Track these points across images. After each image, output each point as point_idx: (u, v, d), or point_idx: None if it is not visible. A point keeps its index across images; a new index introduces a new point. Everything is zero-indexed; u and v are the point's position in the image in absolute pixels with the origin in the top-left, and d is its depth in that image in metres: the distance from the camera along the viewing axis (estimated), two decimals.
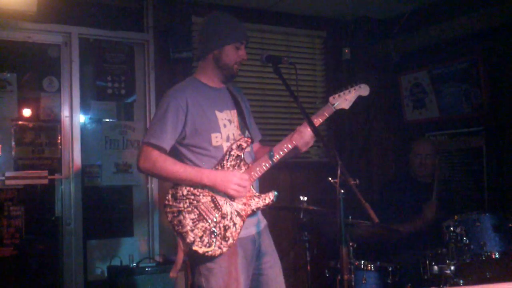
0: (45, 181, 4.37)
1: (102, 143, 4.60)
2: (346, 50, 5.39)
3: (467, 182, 4.85)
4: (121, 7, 4.68)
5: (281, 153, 2.83)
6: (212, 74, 2.91)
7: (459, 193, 4.84)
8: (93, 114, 4.66)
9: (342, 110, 2.94)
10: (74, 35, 4.49)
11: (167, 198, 2.74)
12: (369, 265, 3.60)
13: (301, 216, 3.75)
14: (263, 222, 2.99)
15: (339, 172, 2.34)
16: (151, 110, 4.70)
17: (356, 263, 3.56)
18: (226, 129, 2.84)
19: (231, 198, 2.77)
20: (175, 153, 2.82)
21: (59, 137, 4.55)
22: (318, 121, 2.86)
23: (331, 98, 2.91)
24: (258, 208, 2.84)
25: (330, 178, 2.37)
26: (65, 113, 4.47)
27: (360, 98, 2.97)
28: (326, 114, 2.88)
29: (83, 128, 4.55)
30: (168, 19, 4.73)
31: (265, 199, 2.84)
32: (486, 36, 4.59)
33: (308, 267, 3.88)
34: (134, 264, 4.16)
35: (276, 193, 2.86)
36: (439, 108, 5.03)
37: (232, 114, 2.90)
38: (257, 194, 2.85)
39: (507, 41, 4.51)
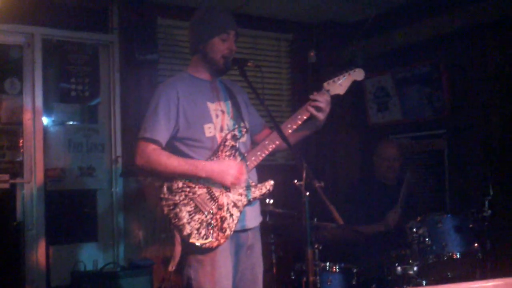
0: (7, 185, 4.28)
1: (66, 146, 4.53)
2: (312, 53, 5.43)
3: (429, 184, 4.94)
4: (85, 8, 4.62)
5: (273, 145, 2.80)
6: (202, 69, 2.88)
7: (422, 194, 4.92)
8: (56, 117, 4.57)
9: (337, 95, 2.90)
10: (36, 36, 4.42)
11: (162, 191, 2.70)
12: (334, 267, 3.62)
13: (267, 219, 3.76)
14: (259, 218, 2.97)
15: (304, 174, 2.35)
16: (115, 112, 4.65)
17: (322, 265, 3.58)
18: (219, 119, 2.81)
19: (227, 189, 2.74)
20: (170, 149, 2.79)
21: (21, 140, 4.45)
22: (313, 109, 2.84)
23: (325, 84, 2.88)
24: (255, 198, 2.82)
25: (295, 181, 2.37)
26: (27, 115, 4.39)
27: None
28: None
29: (46, 131, 4.47)
30: (134, 21, 4.69)
31: (261, 189, 2.82)
32: (449, 40, 4.69)
33: (274, 270, 3.90)
34: (99, 269, 4.10)
35: (272, 182, 2.83)
36: (402, 111, 5.11)
37: (225, 105, 2.87)
38: (254, 183, 2.83)
39: (468, 45, 4.61)
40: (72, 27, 4.53)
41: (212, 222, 2.68)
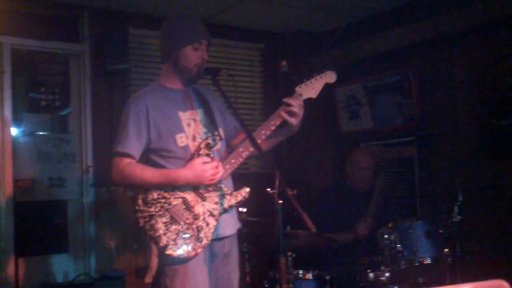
0: None
1: (35, 156, 4.46)
2: (284, 63, 5.44)
3: (400, 191, 5.00)
4: (55, 18, 4.58)
5: (247, 152, 2.79)
6: (173, 78, 2.86)
7: (393, 201, 4.98)
8: (26, 127, 4.51)
9: (310, 99, 2.89)
10: (6, 46, 4.36)
11: (137, 203, 2.68)
12: (307, 274, 3.63)
13: (240, 227, 3.75)
14: (237, 225, 2.96)
15: (277, 182, 2.35)
16: (86, 122, 4.61)
17: (295, 273, 3.59)
18: (191, 128, 2.80)
19: (203, 198, 2.74)
20: (145, 161, 2.78)
21: None
22: (286, 114, 2.82)
23: (297, 88, 2.86)
24: (230, 206, 2.81)
25: (268, 189, 2.38)
26: None
27: None
28: None
29: (15, 142, 4.40)
30: (105, 30, 4.66)
31: (237, 196, 2.81)
32: (418, 49, 4.78)
33: (248, 278, 3.90)
34: (69, 281, 4.05)
35: (248, 189, 2.82)
36: (373, 119, 5.18)
37: (198, 114, 2.85)
38: (229, 191, 2.82)
39: (437, 53, 4.71)
40: (42, 37, 4.49)
41: (188, 232, 2.67)
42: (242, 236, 3.81)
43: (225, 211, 2.80)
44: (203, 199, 2.75)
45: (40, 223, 4.51)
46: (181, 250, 2.64)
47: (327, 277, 3.63)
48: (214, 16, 4.99)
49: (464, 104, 4.53)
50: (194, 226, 2.69)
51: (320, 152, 5.72)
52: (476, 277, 1.88)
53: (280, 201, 2.37)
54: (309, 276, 3.62)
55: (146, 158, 2.80)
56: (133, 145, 2.72)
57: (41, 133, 4.53)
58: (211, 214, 2.74)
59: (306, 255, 3.81)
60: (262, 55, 5.62)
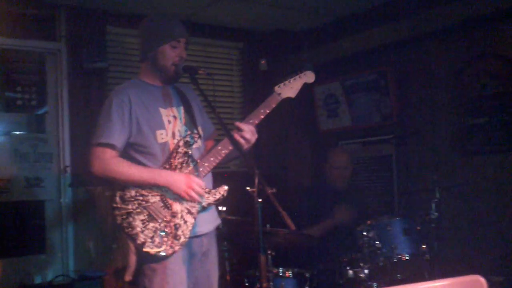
0: None
1: (12, 156, 4.40)
2: (263, 62, 5.48)
3: (378, 188, 5.05)
4: (32, 16, 4.51)
5: (225, 150, 2.79)
6: (153, 76, 2.86)
7: (372, 199, 5.03)
8: (2, 127, 4.44)
9: (288, 98, 2.90)
10: None
11: (115, 200, 2.67)
12: (287, 272, 3.65)
13: (220, 226, 3.75)
14: (215, 222, 2.95)
15: (256, 181, 2.36)
16: (64, 121, 4.56)
17: (275, 271, 3.60)
18: (171, 125, 2.79)
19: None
20: (121, 155, 2.75)
21: None
22: (265, 111, 2.83)
23: (276, 88, 2.88)
24: (209, 204, 2.80)
25: (248, 188, 2.38)
26: None
27: (275, 108, 2.94)
28: (273, 105, 2.86)
29: None
30: (82, 29, 4.61)
31: (215, 194, 2.80)
32: (395, 48, 4.83)
33: (228, 277, 3.89)
34: (48, 282, 4.00)
35: (226, 187, 2.81)
36: (352, 117, 5.22)
37: (178, 111, 2.85)
38: (208, 189, 2.81)
39: (414, 53, 4.76)
40: (18, 35, 4.42)
41: (166, 230, 2.66)
42: (221, 235, 3.81)
43: (203, 209, 2.79)
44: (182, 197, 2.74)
45: (17, 224, 4.45)
46: (158, 247, 2.64)
47: (307, 275, 3.65)
48: (193, 15, 4.97)
49: (441, 102, 4.59)
50: (172, 224, 2.68)
51: (299, 150, 5.74)
52: (454, 273, 1.90)
53: (260, 200, 2.37)
54: (289, 274, 3.64)
55: (123, 153, 2.77)
56: (117, 136, 2.70)
57: (17, 132, 4.46)
58: (189, 212, 2.73)
59: (286, 253, 3.83)
60: (241, 54, 5.61)
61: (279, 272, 3.63)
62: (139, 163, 2.74)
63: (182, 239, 2.69)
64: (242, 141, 2.75)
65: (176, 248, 2.67)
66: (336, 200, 4.35)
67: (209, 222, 2.89)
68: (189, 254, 2.78)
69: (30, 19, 4.50)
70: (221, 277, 3.84)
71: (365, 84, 5.04)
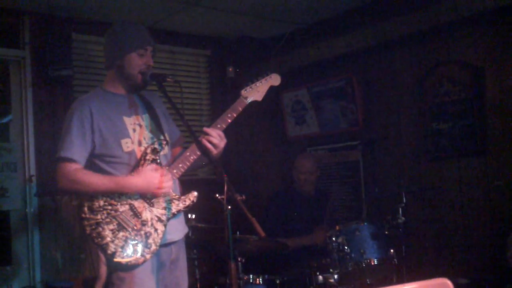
0: None
1: None
2: (230, 69, 5.51)
3: (346, 194, 5.10)
4: None
5: (194, 156, 2.77)
6: (118, 84, 2.83)
7: (340, 204, 5.07)
8: None
9: (255, 102, 2.91)
10: None
11: (83, 210, 2.63)
12: (258, 279, 3.65)
13: (190, 234, 3.74)
14: (184, 230, 2.94)
15: (225, 188, 2.36)
16: (28, 130, 4.47)
17: (245, 278, 3.60)
18: (136, 133, 2.77)
19: (150, 204, 2.70)
20: (89, 166, 2.73)
21: None
22: (232, 115, 2.83)
23: (243, 91, 2.88)
24: (179, 211, 2.78)
25: (217, 195, 2.39)
26: None
27: (243, 115, 2.95)
28: (240, 108, 2.85)
29: None
30: (46, 36, 4.54)
31: (185, 201, 2.79)
32: (361, 55, 4.89)
33: (198, 285, 3.88)
34: None
35: (196, 193, 2.80)
36: (319, 124, 5.26)
37: (143, 119, 2.82)
38: (177, 196, 2.79)
39: (379, 60, 4.84)
40: None
41: (136, 238, 2.64)
42: (191, 242, 3.79)
43: (173, 216, 2.78)
44: (151, 204, 2.72)
45: None
46: (130, 256, 2.61)
47: (277, 281, 3.67)
48: (160, 22, 4.95)
49: (406, 108, 4.67)
50: (142, 232, 2.66)
51: (268, 156, 5.76)
52: (421, 276, 1.93)
53: (229, 207, 2.38)
54: (259, 280, 3.65)
55: (91, 164, 2.75)
56: (78, 150, 2.68)
57: None
58: (159, 220, 2.72)
59: (256, 260, 3.84)
60: (208, 61, 5.61)
61: (249, 279, 3.64)
62: (108, 173, 2.72)
63: (153, 247, 2.67)
64: (210, 146, 2.74)
65: (147, 256, 2.65)
66: (305, 206, 4.38)
67: (179, 230, 2.88)
68: (158, 262, 2.76)
69: None
70: (192, 285, 3.82)
71: (332, 91, 5.09)
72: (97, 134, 2.71)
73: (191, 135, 2.68)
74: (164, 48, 5.22)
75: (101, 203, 2.66)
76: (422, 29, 4.37)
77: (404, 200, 3.78)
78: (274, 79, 2.99)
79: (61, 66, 4.48)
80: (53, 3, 4.37)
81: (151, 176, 2.69)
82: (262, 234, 2.35)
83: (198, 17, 4.92)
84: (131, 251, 2.62)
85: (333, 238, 3.60)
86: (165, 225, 2.73)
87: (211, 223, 3.71)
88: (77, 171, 2.66)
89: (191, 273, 3.81)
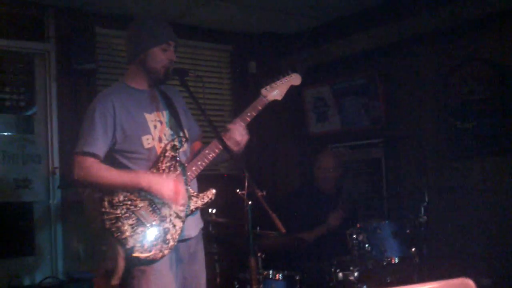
0: None
1: (0, 158, 4.36)
2: (252, 64, 5.50)
3: (368, 192, 5.07)
4: (20, 16, 4.48)
5: (213, 153, 2.79)
6: (140, 78, 2.85)
7: (361, 202, 5.04)
8: None
9: (275, 101, 2.92)
10: None
11: (103, 205, 2.67)
12: (277, 275, 3.65)
13: (210, 228, 3.75)
14: (200, 225, 2.96)
15: (246, 184, 2.37)
16: (52, 122, 4.53)
17: (265, 273, 3.60)
18: (157, 130, 2.79)
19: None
20: (110, 161, 2.76)
21: None
22: (252, 114, 2.84)
23: (263, 90, 2.89)
24: (197, 208, 2.81)
25: (238, 190, 2.39)
26: None
27: (264, 111, 2.95)
28: (260, 107, 2.87)
29: None
30: (71, 29, 4.58)
31: (203, 198, 2.81)
32: (384, 52, 4.85)
33: (218, 280, 3.89)
34: (36, 284, 3.98)
35: (214, 191, 2.82)
36: (341, 121, 5.23)
37: (164, 115, 2.85)
38: (196, 193, 2.82)
39: (402, 57, 4.79)
40: (6, 36, 4.39)
41: (155, 234, 2.67)
42: (211, 237, 3.81)
43: (191, 213, 2.80)
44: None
45: (5, 226, 4.41)
46: (148, 252, 2.65)
47: (297, 277, 3.66)
48: (182, 17, 4.97)
49: (429, 106, 4.62)
50: (160, 228, 2.69)
51: (289, 153, 5.75)
52: (443, 276, 1.92)
53: (250, 202, 2.38)
54: (279, 276, 3.64)
55: (111, 158, 2.78)
56: (99, 145, 2.71)
57: (5, 133, 4.43)
58: (178, 216, 2.74)
59: (276, 255, 3.84)
60: (230, 56, 5.61)
61: (269, 274, 3.63)
62: (127, 168, 2.75)
63: (171, 243, 2.70)
64: (230, 143, 2.75)
65: (165, 252, 2.68)
66: (325, 203, 4.37)
67: (196, 225, 2.91)
68: (177, 257, 2.80)
69: (18, 20, 4.48)
70: (211, 279, 3.84)
71: (354, 88, 5.06)
72: (119, 130, 2.74)
73: (213, 130, 2.69)
74: (186, 43, 5.23)
75: (121, 198, 2.68)
76: (446, 26, 4.32)
77: (427, 199, 3.74)
78: (295, 79, 2.99)
79: (85, 60, 4.53)
80: None
81: (167, 181, 2.70)
82: (283, 230, 2.36)
83: (220, 12, 4.93)
84: (149, 246, 2.65)
85: (354, 236, 3.58)
86: (183, 222, 2.75)
87: (231, 218, 3.71)
88: (95, 164, 2.69)
89: (211, 268, 3.84)
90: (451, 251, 4.39)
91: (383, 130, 4.92)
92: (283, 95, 2.94)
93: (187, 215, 2.77)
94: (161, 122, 2.83)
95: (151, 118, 2.80)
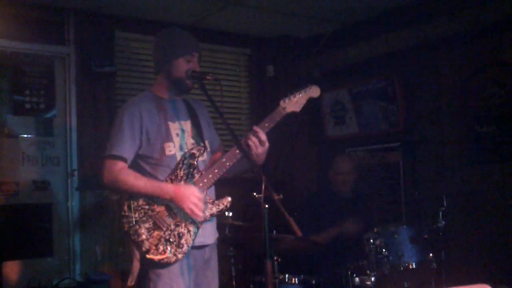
0: None
1: (19, 159, 4.42)
2: (270, 68, 5.51)
3: (385, 196, 5.03)
4: (41, 20, 4.54)
5: (230, 162, 2.84)
6: (165, 88, 2.95)
7: (378, 206, 5.01)
8: (10, 130, 4.46)
9: (293, 112, 2.95)
10: None
11: (123, 209, 2.75)
12: (294, 279, 3.65)
13: (226, 231, 3.76)
14: (216, 235, 3.03)
15: (263, 187, 2.37)
16: (72, 125, 4.58)
17: (281, 277, 3.60)
18: (179, 138, 2.88)
19: None
20: (132, 166, 2.84)
21: None
22: (269, 125, 2.89)
23: (281, 102, 2.94)
24: (212, 215, 2.87)
25: (254, 193, 2.40)
26: None
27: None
28: (278, 119, 2.92)
29: None
30: (90, 33, 4.64)
31: (219, 205, 2.88)
32: (402, 56, 4.82)
33: (233, 283, 3.89)
34: (54, 285, 4.01)
35: (230, 198, 2.88)
36: (358, 124, 5.21)
37: (186, 124, 2.94)
38: (212, 200, 2.89)
39: (421, 61, 4.75)
40: (27, 39, 4.45)
41: (170, 238, 2.74)
42: (227, 240, 3.81)
43: (207, 219, 2.86)
44: None
45: (24, 227, 4.46)
46: (162, 255, 2.72)
47: (313, 281, 3.65)
48: (201, 21, 4.99)
49: (448, 110, 4.57)
50: (175, 232, 2.76)
51: (306, 156, 5.73)
52: (461, 282, 1.90)
53: (266, 206, 2.38)
54: (295, 280, 3.64)
55: (134, 163, 2.86)
56: (128, 149, 2.80)
57: (25, 136, 4.48)
58: (193, 222, 2.80)
59: (292, 259, 3.83)
60: (248, 60, 5.62)
61: (285, 278, 3.63)
62: (148, 173, 2.83)
63: (185, 248, 2.76)
64: (249, 146, 2.83)
65: (179, 256, 2.75)
66: (342, 207, 4.35)
67: (212, 234, 2.98)
68: (191, 263, 2.85)
69: (39, 23, 4.54)
70: (227, 282, 3.85)
71: (372, 92, 5.03)
72: (144, 135, 2.83)
73: (230, 133, 2.72)
74: (204, 47, 5.24)
75: (140, 202, 2.77)
76: (467, 30, 4.27)
77: (445, 204, 3.70)
78: (314, 91, 3.04)
79: (104, 63, 4.58)
80: (97, 1, 4.46)
81: (191, 194, 2.75)
82: (299, 233, 2.36)
83: (239, 16, 4.94)
84: (164, 249, 2.71)
85: (371, 240, 3.56)
86: (197, 227, 2.81)
87: (248, 221, 3.71)
88: (123, 170, 2.77)
89: (227, 271, 3.84)
90: (470, 257, 4.33)
91: (401, 134, 4.88)
92: (301, 107, 2.99)
93: (202, 222, 2.84)
94: (183, 131, 2.91)
95: (174, 126, 2.89)
